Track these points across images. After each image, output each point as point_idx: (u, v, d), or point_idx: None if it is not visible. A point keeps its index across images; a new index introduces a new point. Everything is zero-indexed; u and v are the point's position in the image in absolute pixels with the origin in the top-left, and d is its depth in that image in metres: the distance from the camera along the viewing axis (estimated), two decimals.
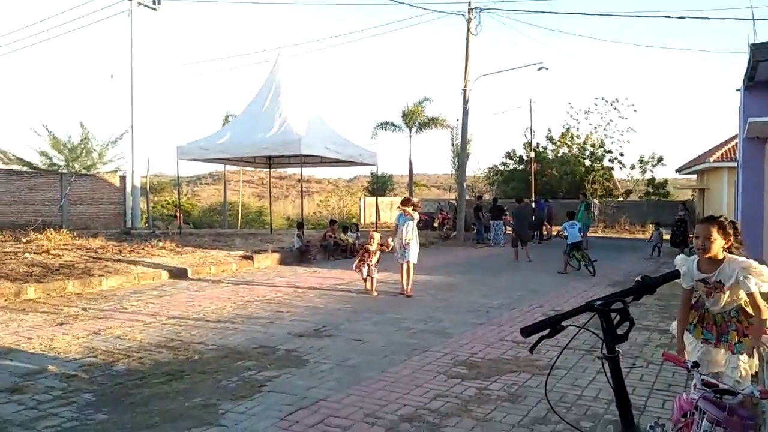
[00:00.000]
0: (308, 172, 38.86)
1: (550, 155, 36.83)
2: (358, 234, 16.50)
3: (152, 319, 7.19)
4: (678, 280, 3.16)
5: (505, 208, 20.79)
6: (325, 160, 19.10)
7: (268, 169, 22.87)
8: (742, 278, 3.04)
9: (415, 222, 9.18)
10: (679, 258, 3.36)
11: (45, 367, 5.12)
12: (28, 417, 3.97)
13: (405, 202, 9.40)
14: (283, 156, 19.31)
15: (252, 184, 54.34)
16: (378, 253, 9.46)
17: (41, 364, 5.20)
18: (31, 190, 20.59)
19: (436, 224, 26.11)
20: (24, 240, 12.98)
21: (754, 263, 3.07)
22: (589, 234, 18.89)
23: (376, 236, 9.62)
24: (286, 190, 52.04)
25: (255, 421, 3.94)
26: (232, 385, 4.68)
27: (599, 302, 1.92)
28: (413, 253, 9.22)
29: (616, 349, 1.90)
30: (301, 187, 23.97)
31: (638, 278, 1.97)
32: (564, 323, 1.99)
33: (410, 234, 9.12)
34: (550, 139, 37.34)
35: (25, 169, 19.16)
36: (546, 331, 2.03)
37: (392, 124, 29.76)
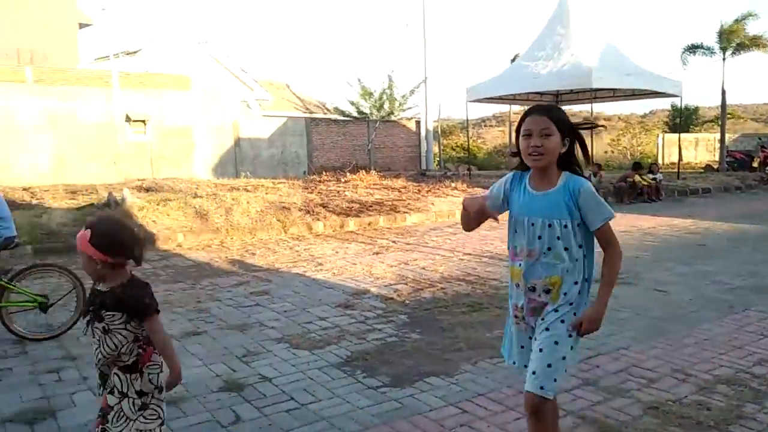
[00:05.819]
0: (597, 108, 36.48)
1: None
2: (660, 175, 15.17)
3: (450, 254, 7.80)
4: None
5: None
6: (617, 93, 17.70)
7: None
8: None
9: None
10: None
11: (368, 289, 6.02)
12: (359, 329, 4.76)
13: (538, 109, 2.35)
14: (571, 92, 18.51)
15: None
16: None
17: (365, 286, 6.14)
18: (345, 136, 23.70)
19: (755, 164, 22.25)
20: (343, 180, 15.14)
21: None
22: None
23: None
24: None
25: None
26: None
27: None
28: (545, 355, 2.22)
29: None
30: (592, 124, 22.62)
31: None
32: None
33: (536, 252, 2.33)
34: None
35: (340, 117, 22.28)
36: None
37: (701, 47, 25.72)
